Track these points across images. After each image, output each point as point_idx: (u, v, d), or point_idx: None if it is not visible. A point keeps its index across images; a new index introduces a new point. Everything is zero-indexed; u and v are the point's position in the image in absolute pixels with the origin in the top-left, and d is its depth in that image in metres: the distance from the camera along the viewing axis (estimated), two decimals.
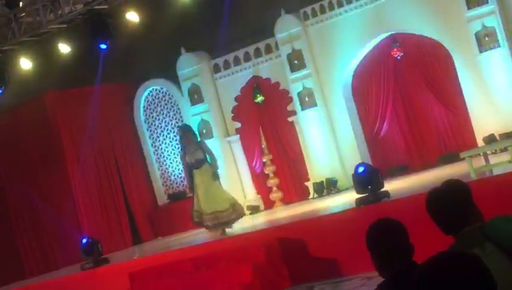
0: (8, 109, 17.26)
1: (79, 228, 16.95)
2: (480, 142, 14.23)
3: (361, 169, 10.94)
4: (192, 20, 15.30)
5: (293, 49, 16.33)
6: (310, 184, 16.51)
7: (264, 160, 17.17)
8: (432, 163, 15.35)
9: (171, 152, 18.33)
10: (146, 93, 18.68)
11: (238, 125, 17.51)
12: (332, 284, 10.29)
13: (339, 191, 15.64)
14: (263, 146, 17.19)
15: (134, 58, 16.94)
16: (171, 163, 18.40)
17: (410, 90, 15.89)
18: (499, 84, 14.30)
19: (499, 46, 14.16)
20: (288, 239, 11.13)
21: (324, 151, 16.25)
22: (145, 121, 18.75)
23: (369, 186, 10.70)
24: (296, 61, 16.35)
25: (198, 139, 13.46)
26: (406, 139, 16.07)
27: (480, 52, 14.31)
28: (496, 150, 13.47)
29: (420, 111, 15.79)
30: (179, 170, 18.07)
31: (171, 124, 18.30)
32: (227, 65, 17.42)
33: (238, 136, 17.51)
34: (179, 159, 17.23)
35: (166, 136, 18.41)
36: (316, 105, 16.22)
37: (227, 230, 13.03)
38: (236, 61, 17.28)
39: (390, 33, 15.59)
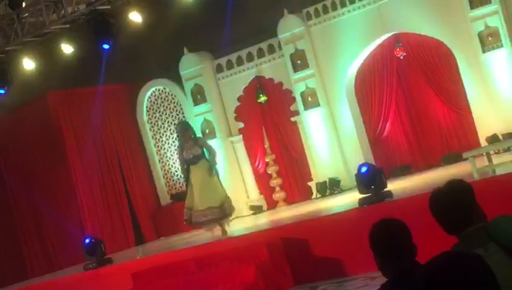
0: (11, 109, 17.27)
1: (82, 228, 16.97)
2: (483, 142, 14.22)
3: (364, 169, 10.93)
4: (195, 21, 15.30)
5: (296, 49, 16.33)
6: (312, 184, 16.51)
7: (267, 160, 17.18)
8: (434, 163, 15.35)
9: (174, 152, 18.32)
10: (149, 94, 18.69)
11: (241, 125, 17.52)
12: (336, 284, 10.29)
13: (341, 191, 15.64)
14: (266, 146, 17.20)
15: (137, 58, 16.95)
16: (174, 163, 18.39)
17: (413, 90, 15.88)
18: (502, 84, 14.29)
19: (502, 46, 14.15)
20: (291, 239, 11.13)
21: (327, 151, 16.25)
22: (148, 121, 18.76)
23: (372, 186, 10.69)
24: (299, 61, 16.35)
25: (197, 136, 13.44)
26: (408, 139, 16.06)
27: (483, 52, 14.30)
28: (498, 150, 13.47)
29: (423, 111, 15.78)
30: None
31: (174, 124, 18.29)
32: (230, 65, 17.42)
33: (241, 136, 17.51)
34: None
35: (169, 136, 18.42)
36: (319, 105, 16.22)
37: (227, 231, 13.00)
38: (239, 61, 17.28)
39: (393, 33, 15.58)
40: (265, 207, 17.14)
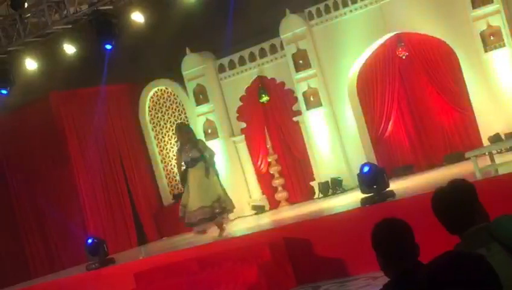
0: (13, 109, 17.28)
1: (84, 228, 16.99)
2: (485, 142, 14.20)
3: (366, 169, 10.93)
4: (197, 21, 15.31)
5: (298, 49, 16.32)
6: (315, 184, 16.51)
7: (269, 160, 17.18)
8: (437, 163, 15.34)
9: (176, 152, 18.31)
10: (151, 94, 18.70)
11: (243, 125, 17.52)
12: (338, 284, 10.29)
13: (344, 190, 15.64)
14: (268, 146, 17.20)
15: (139, 58, 16.97)
16: (176, 163, 18.39)
17: (415, 89, 15.87)
18: (504, 83, 14.27)
19: (504, 45, 14.14)
20: (294, 239, 11.13)
21: (329, 151, 16.24)
22: (150, 121, 18.78)
23: (374, 186, 10.70)
24: (301, 61, 16.34)
25: (195, 138, 13.44)
26: (411, 138, 16.05)
27: (486, 51, 14.28)
28: (501, 150, 13.47)
29: (425, 110, 15.77)
30: None
31: (176, 124, 18.28)
32: (232, 65, 17.42)
33: (243, 136, 17.51)
34: None
35: (172, 136, 18.41)
36: (321, 105, 16.21)
37: (224, 230, 13.00)
38: (241, 61, 17.28)
39: (395, 33, 15.57)
40: (267, 207, 17.14)
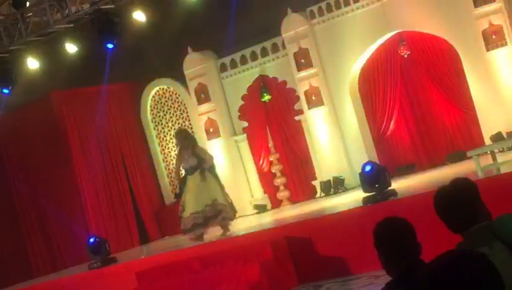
0: (15, 108, 17.28)
1: (86, 227, 16.98)
2: (487, 141, 14.20)
3: (368, 168, 10.93)
4: (199, 20, 15.30)
5: (299, 48, 16.31)
6: (317, 183, 16.51)
7: (271, 159, 17.17)
8: (439, 161, 15.33)
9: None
10: (153, 93, 18.70)
11: (245, 124, 17.51)
12: (340, 282, 10.29)
13: (346, 189, 15.63)
14: (270, 145, 17.20)
15: (141, 57, 16.95)
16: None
17: (417, 88, 15.86)
18: (506, 82, 14.26)
19: (506, 44, 14.12)
20: (296, 238, 11.14)
21: (331, 150, 16.24)
22: (152, 120, 18.78)
23: (376, 185, 10.70)
24: (302, 60, 16.33)
25: (194, 143, 13.44)
26: (413, 137, 16.04)
27: (488, 50, 14.27)
28: (503, 149, 13.45)
29: (427, 109, 15.76)
30: None
31: (178, 123, 18.32)
32: (234, 64, 17.42)
33: (245, 135, 17.51)
34: None
35: (173, 135, 18.41)
36: (323, 104, 16.21)
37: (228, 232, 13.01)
38: (243, 60, 17.28)
39: (397, 31, 15.56)
40: (269, 206, 17.14)
